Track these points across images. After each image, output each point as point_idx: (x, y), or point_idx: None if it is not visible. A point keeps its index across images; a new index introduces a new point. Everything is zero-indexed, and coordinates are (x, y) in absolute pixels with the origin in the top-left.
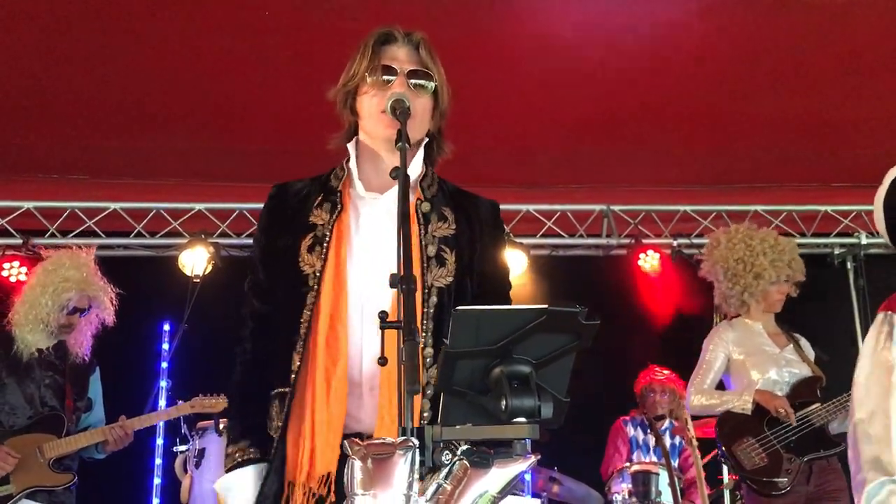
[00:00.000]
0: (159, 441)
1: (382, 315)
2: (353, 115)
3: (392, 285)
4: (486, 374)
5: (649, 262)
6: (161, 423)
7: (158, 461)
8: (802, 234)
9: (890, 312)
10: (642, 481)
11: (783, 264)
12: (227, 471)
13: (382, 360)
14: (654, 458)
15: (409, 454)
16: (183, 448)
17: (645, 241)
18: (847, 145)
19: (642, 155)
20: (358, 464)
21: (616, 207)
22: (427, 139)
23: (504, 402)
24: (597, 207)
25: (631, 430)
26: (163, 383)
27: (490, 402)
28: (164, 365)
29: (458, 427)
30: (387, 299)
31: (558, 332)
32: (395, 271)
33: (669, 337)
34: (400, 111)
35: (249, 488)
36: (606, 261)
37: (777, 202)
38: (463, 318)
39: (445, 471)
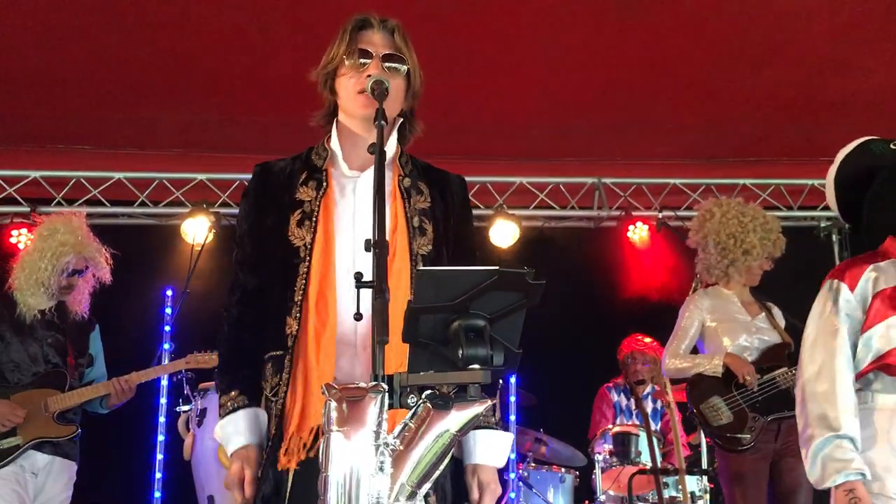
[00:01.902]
0: (163, 400)
1: (358, 276)
2: (332, 95)
3: (367, 249)
4: (447, 327)
5: (638, 233)
6: (164, 384)
7: (162, 419)
8: (789, 208)
9: (836, 280)
10: (622, 441)
11: (770, 242)
12: (222, 418)
13: (358, 316)
14: (637, 423)
15: (379, 397)
16: (185, 408)
17: (634, 213)
18: (835, 119)
19: (634, 129)
20: (333, 404)
21: (607, 180)
22: (401, 120)
23: (461, 352)
24: (588, 180)
25: (615, 397)
26: (165, 346)
27: (450, 352)
28: (167, 328)
29: (422, 374)
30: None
31: (509, 290)
32: (386, 245)
33: (654, 306)
34: (378, 92)
35: (243, 430)
36: (597, 232)
37: (765, 176)
38: (425, 277)
39: (411, 412)
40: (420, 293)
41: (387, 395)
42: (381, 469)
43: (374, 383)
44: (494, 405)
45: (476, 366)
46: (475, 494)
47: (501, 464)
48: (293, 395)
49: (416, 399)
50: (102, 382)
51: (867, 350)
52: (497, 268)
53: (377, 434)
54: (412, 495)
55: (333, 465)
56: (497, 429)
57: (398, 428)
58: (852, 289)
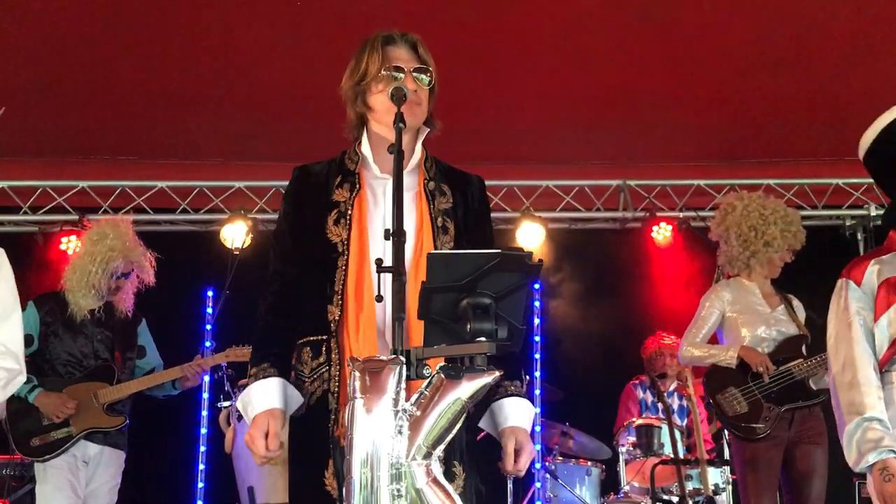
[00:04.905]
0: (205, 395)
1: (378, 262)
2: (365, 108)
3: (386, 238)
4: (456, 305)
5: (662, 233)
6: (206, 380)
7: (204, 413)
8: (814, 207)
9: (843, 279)
10: (645, 434)
11: (790, 234)
12: (249, 385)
13: (378, 298)
14: (661, 417)
15: (398, 368)
16: (226, 404)
17: (658, 214)
18: (858, 119)
19: (658, 131)
20: (357, 374)
21: (632, 182)
22: (427, 130)
23: (469, 326)
24: (614, 182)
25: (640, 394)
26: (207, 343)
27: (459, 327)
28: (208, 327)
29: (435, 347)
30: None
31: (511, 271)
32: (403, 233)
33: (678, 304)
34: (397, 98)
35: (271, 394)
36: (622, 233)
37: (789, 175)
38: (436, 260)
39: (426, 382)
40: (432, 275)
41: (405, 367)
42: (399, 432)
43: (392, 356)
44: (523, 381)
45: (482, 338)
46: (511, 457)
47: (530, 428)
48: (343, 373)
49: (429, 370)
50: (177, 367)
51: (882, 336)
52: (499, 251)
53: (396, 401)
54: (427, 455)
55: (358, 428)
56: (525, 398)
57: (415, 396)
58: (859, 283)
